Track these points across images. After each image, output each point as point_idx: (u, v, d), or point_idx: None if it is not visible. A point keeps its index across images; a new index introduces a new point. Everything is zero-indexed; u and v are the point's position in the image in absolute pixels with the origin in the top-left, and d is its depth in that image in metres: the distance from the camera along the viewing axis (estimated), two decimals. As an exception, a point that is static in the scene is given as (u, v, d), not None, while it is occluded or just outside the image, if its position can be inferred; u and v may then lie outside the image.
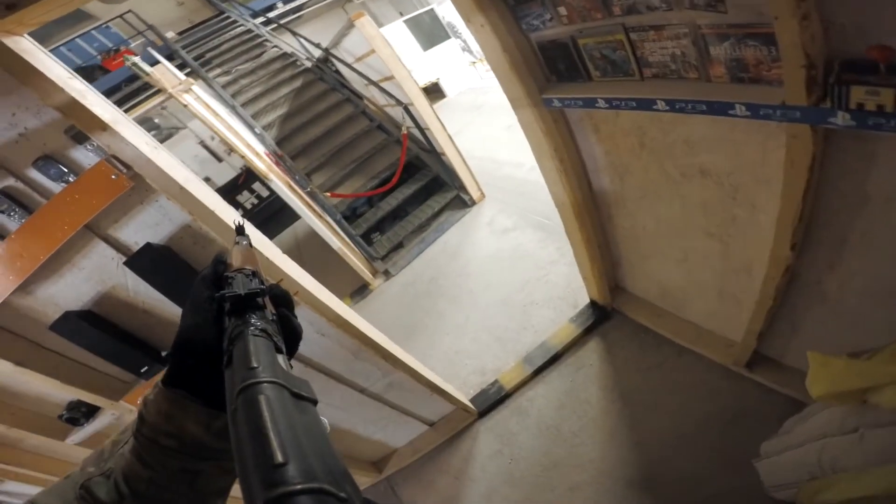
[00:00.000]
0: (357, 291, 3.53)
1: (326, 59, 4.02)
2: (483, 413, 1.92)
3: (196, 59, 4.36)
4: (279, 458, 0.17)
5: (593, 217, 1.59)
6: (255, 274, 0.35)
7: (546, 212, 2.89)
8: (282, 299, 0.35)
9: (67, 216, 0.80)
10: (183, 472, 0.32)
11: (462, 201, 3.64)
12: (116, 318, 1.07)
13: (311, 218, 2.93)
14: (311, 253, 4.95)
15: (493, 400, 1.93)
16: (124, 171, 0.79)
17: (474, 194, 3.55)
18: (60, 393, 1.06)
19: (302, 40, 4.31)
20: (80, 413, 1.14)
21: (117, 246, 0.99)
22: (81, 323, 0.97)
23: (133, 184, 0.82)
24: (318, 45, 4.14)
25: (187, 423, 0.31)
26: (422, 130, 3.16)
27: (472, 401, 1.96)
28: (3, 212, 0.82)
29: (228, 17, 5.35)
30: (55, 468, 1.22)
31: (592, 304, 2.02)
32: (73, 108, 0.71)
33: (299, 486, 0.16)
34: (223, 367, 0.26)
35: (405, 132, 3.23)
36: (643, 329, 1.82)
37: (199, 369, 0.32)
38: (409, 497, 1.87)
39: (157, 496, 0.31)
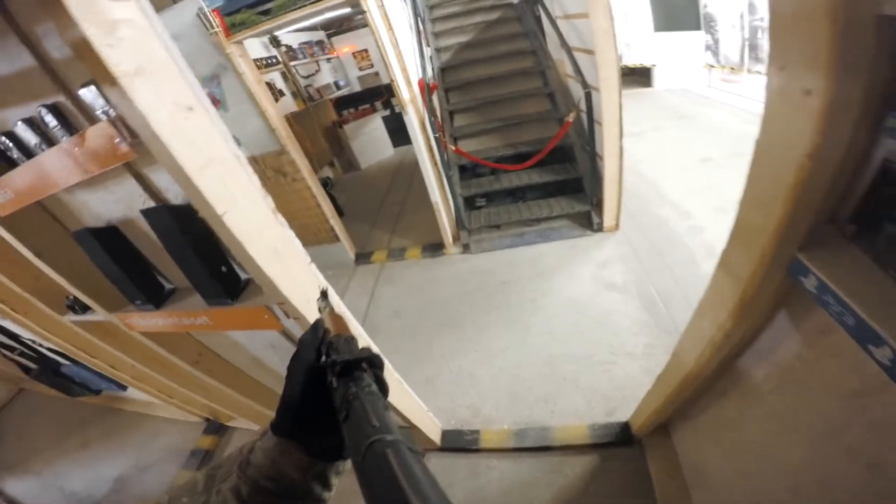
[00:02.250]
0: (430, 247, 3.71)
1: (536, 1, 3.75)
2: (445, 449, 1.98)
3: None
4: None
5: (705, 382, 1.30)
6: (355, 340, 0.45)
7: (669, 295, 2.48)
8: (376, 361, 0.43)
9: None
10: None
11: (588, 221, 3.30)
12: (134, 243, 1.27)
13: (425, 161, 3.03)
14: (408, 183, 5.33)
15: (461, 446, 1.95)
16: (128, 138, 0.82)
17: (607, 221, 3.17)
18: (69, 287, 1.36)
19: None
20: (79, 306, 1.48)
21: (147, 187, 1.13)
22: (93, 241, 1.15)
23: (136, 155, 0.85)
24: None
25: (288, 467, 0.40)
26: (591, 124, 2.82)
27: (445, 432, 2.01)
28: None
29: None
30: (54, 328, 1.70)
31: (625, 426, 1.78)
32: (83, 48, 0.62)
33: None
34: (341, 422, 0.34)
35: (571, 119, 2.94)
36: (646, 478, 1.60)
37: (304, 422, 0.41)
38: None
39: None
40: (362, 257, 3.91)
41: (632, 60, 6.33)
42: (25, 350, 2.60)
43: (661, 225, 3.13)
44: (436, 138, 3.01)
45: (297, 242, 1.02)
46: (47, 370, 2.70)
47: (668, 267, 2.72)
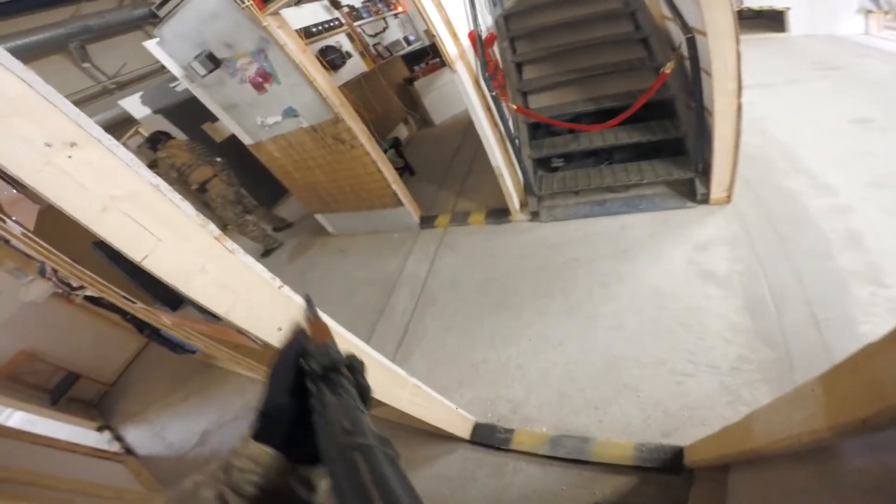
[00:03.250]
0: (494, 213, 3.55)
1: None
2: (473, 442, 2.00)
3: None
4: None
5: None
6: (334, 346, 0.47)
7: (784, 296, 2.02)
8: (357, 365, 0.47)
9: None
10: None
11: (691, 190, 2.77)
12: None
13: (482, 123, 2.78)
14: (479, 140, 5.02)
15: (491, 442, 1.96)
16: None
17: (716, 191, 2.62)
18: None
19: None
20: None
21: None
22: (101, 253, 1.19)
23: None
24: None
25: (271, 473, 0.42)
26: (696, 74, 2.27)
27: (477, 426, 2.03)
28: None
29: None
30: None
31: (678, 453, 1.59)
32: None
33: None
34: (316, 427, 0.36)
35: (669, 69, 2.38)
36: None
37: (282, 427, 0.44)
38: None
39: None
40: (427, 221, 3.95)
41: (757, 1, 5.23)
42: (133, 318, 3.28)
43: (789, 200, 2.49)
44: (493, 97, 2.73)
45: (259, 267, 0.99)
46: (153, 333, 3.39)
47: (789, 256, 2.18)
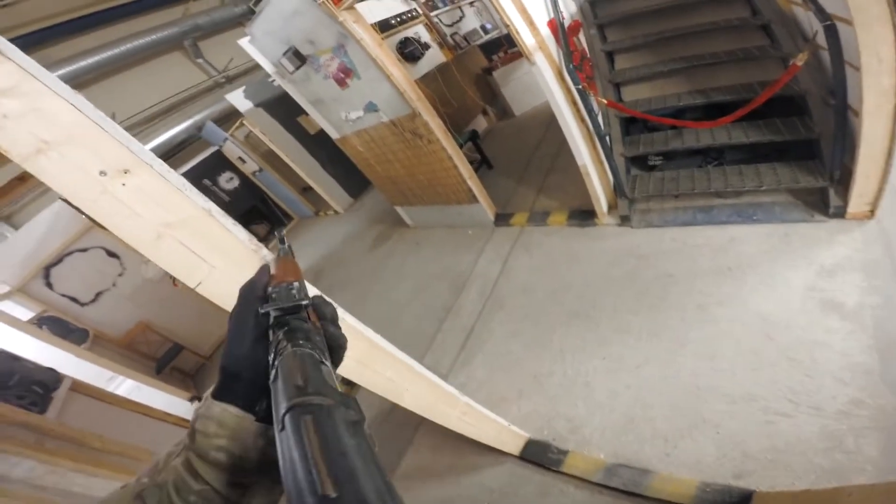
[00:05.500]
0: (579, 214, 3.56)
1: None
2: (523, 458, 2.13)
3: None
4: (330, 491, 0.21)
5: None
6: (298, 286, 0.45)
7: None
8: (325, 311, 0.43)
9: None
10: (232, 486, 0.40)
11: (822, 201, 2.52)
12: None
13: (566, 119, 2.82)
14: (547, 136, 5.05)
15: (541, 461, 2.07)
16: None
17: (856, 205, 2.35)
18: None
19: None
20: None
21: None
22: None
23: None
24: None
25: (238, 437, 0.40)
26: (841, 67, 2.07)
27: (529, 442, 2.16)
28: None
29: None
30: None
31: (747, 497, 1.56)
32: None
33: None
34: (270, 383, 0.32)
35: (801, 61, 2.21)
36: None
37: (248, 383, 0.41)
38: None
39: None
40: (502, 218, 4.11)
41: None
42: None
43: None
44: (579, 90, 2.77)
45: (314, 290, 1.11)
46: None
47: None
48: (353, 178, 6.94)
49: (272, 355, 0.35)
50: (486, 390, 2.64)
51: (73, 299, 4.91)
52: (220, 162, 7.99)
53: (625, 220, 3.26)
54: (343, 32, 3.08)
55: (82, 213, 4.40)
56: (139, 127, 7.59)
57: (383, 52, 3.17)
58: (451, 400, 1.73)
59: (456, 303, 3.56)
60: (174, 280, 4.06)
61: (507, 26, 2.60)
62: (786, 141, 2.63)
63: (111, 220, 0.74)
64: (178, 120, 7.77)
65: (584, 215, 3.52)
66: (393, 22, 5.24)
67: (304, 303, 0.40)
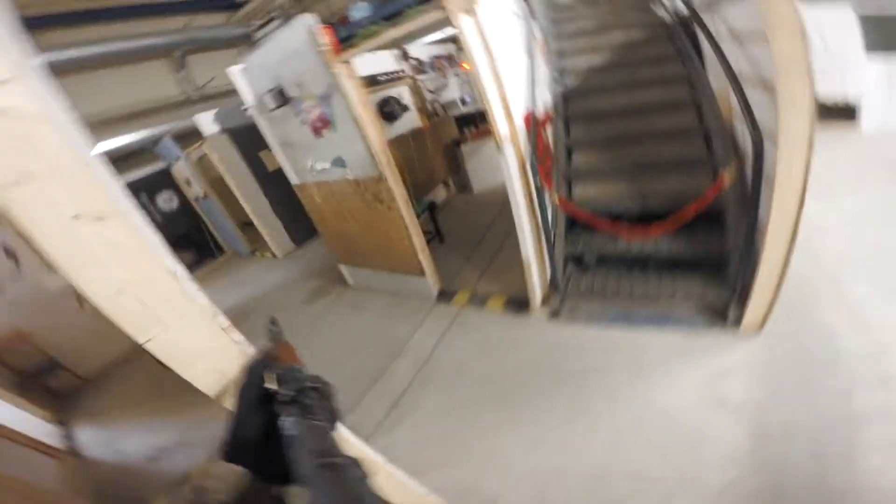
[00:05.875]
0: (515, 303, 3.84)
1: (692, 19, 3.59)
2: None
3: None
4: None
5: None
6: (301, 368, 0.57)
7: (792, 432, 2.19)
8: (327, 390, 0.55)
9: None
10: None
11: (722, 312, 2.97)
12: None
13: (520, 211, 3.15)
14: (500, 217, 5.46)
15: None
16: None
17: (750, 317, 2.78)
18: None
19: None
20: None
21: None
22: None
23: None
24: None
25: (242, 492, 0.50)
26: (757, 186, 2.43)
27: None
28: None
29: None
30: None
31: None
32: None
33: None
34: (285, 448, 0.42)
35: (728, 176, 2.64)
36: None
37: (253, 449, 0.51)
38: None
39: None
40: (444, 296, 4.33)
41: (830, 95, 5.22)
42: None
43: (824, 335, 2.67)
44: (537, 187, 3.13)
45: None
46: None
47: (809, 394, 2.36)
48: (300, 225, 7.02)
49: (287, 426, 0.43)
50: (407, 458, 2.59)
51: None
52: (164, 180, 7.91)
53: (555, 314, 3.55)
54: (333, 83, 3.30)
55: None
56: (99, 126, 7.30)
57: (365, 113, 3.40)
58: (375, 465, 1.74)
59: (388, 369, 3.59)
60: (81, 301, 3.72)
61: (484, 112, 2.91)
62: (698, 256, 3.12)
63: (71, 264, 0.73)
64: (137, 127, 7.62)
65: (520, 304, 3.80)
66: (380, 79, 5.59)
67: (315, 385, 0.50)
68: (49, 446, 3.71)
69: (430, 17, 2.79)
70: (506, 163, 3.03)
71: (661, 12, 4.17)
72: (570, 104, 3.98)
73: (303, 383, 0.51)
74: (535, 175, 3.11)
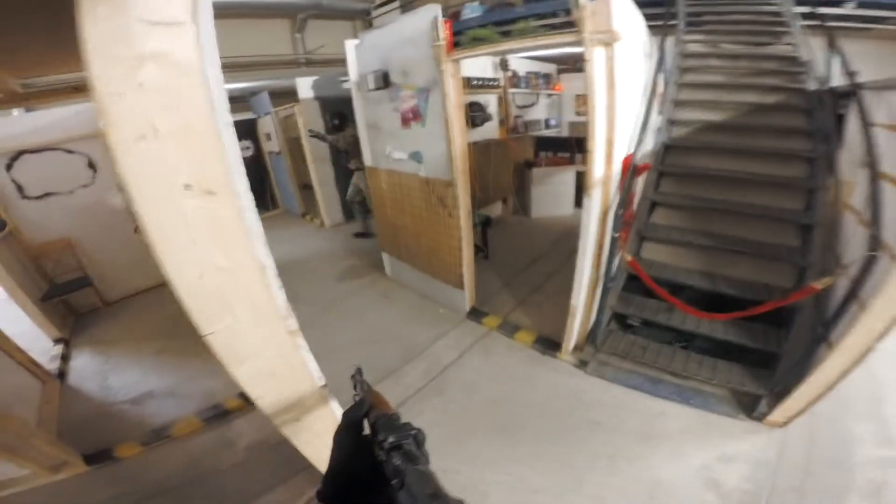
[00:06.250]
0: (544, 342, 3.85)
1: (846, 95, 3.37)
2: None
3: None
4: None
5: None
6: (396, 415, 0.58)
7: None
8: (421, 437, 0.56)
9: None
10: None
11: (751, 405, 2.92)
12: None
13: (585, 259, 3.10)
14: (567, 256, 5.19)
15: None
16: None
17: (777, 415, 2.75)
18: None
19: (839, 58, 3.86)
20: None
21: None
22: None
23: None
24: (850, 73, 3.54)
25: None
26: (846, 303, 2.27)
27: None
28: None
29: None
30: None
31: None
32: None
33: None
34: (395, 491, 0.45)
35: (822, 286, 2.37)
36: None
37: (349, 492, 0.54)
38: None
39: None
40: (476, 314, 4.39)
41: None
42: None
43: (843, 444, 2.64)
44: (613, 238, 3.06)
45: (313, 366, 1.17)
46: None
47: (803, 493, 2.37)
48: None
49: (390, 471, 0.47)
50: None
51: (20, 187, 4.70)
52: (248, 129, 8.60)
53: (582, 364, 3.55)
54: (436, 79, 3.34)
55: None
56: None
57: (457, 116, 3.41)
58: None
59: (400, 370, 3.69)
60: (136, 226, 3.93)
61: (586, 151, 2.74)
62: (753, 348, 3.04)
63: (161, 237, 0.68)
64: (244, 78, 8.43)
65: (550, 345, 3.82)
66: (475, 83, 5.71)
67: (414, 433, 0.54)
68: (41, 367, 3.74)
69: (558, 40, 2.72)
70: (589, 207, 2.96)
71: (809, 80, 3.99)
72: (668, 156, 3.87)
73: (404, 430, 0.54)
74: (616, 226, 3.03)
